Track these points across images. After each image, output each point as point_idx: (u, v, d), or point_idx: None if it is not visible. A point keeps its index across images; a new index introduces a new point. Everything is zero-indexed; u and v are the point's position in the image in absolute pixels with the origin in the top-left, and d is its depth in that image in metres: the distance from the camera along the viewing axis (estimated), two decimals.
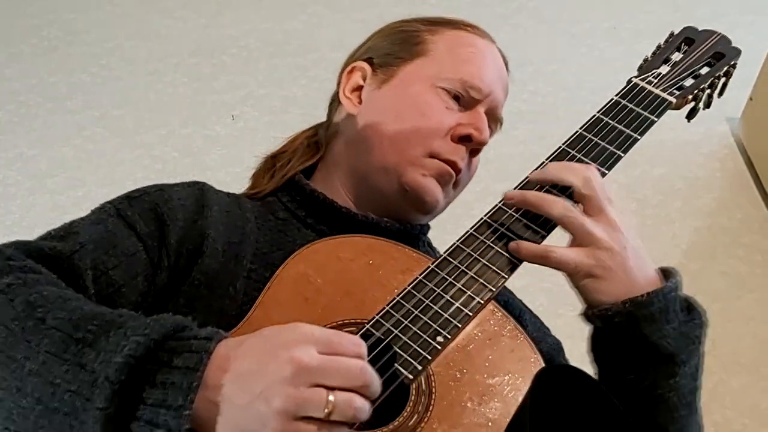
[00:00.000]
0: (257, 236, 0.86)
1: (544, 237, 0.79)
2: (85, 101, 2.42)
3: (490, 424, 0.69)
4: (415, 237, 0.96)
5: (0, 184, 2.16)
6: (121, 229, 0.79)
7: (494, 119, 0.96)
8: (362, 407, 0.56)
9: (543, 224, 0.80)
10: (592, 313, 0.76)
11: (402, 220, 0.94)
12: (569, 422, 0.57)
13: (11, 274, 0.67)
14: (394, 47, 0.98)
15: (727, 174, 2.16)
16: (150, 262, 0.78)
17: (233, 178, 2.15)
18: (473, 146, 0.91)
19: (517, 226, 0.80)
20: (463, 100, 0.92)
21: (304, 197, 0.93)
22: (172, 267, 0.79)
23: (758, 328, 1.81)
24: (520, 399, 0.69)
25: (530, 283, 1.45)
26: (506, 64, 1.01)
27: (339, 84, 1.01)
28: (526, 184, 0.83)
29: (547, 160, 0.85)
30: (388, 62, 0.97)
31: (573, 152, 0.85)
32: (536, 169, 0.84)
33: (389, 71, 0.96)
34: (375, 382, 0.58)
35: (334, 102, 1.02)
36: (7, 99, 2.43)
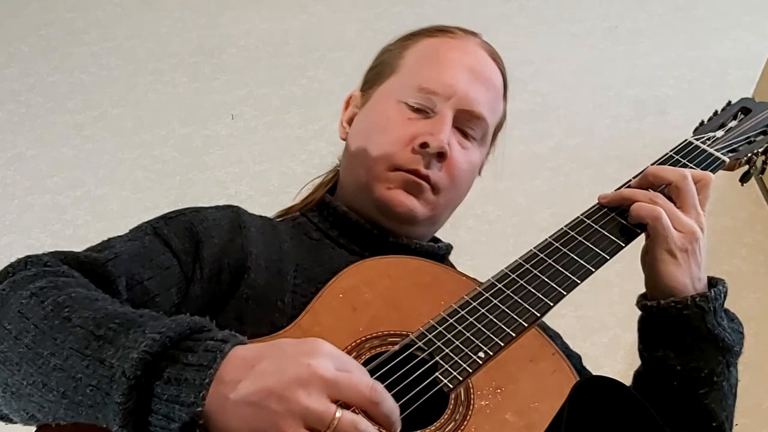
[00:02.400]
0: (295, 254, 0.88)
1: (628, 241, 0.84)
2: (85, 101, 2.42)
3: None
4: (441, 257, 0.98)
5: None
6: (157, 245, 0.82)
7: (473, 116, 0.94)
8: (354, 427, 0.58)
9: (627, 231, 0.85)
10: (665, 304, 0.82)
11: (410, 234, 0.95)
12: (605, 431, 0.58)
13: (45, 278, 0.70)
14: (376, 69, 1.01)
15: (729, 174, 2.16)
16: (184, 275, 0.81)
17: (233, 178, 2.17)
18: (434, 152, 0.90)
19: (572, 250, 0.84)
20: (428, 106, 0.92)
21: (336, 218, 0.95)
22: (208, 280, 0.82)
23: (760, 328, 1.81)
24: None
25: None
26: (494, 55, 1.00)
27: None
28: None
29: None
30: (369, 86, 1.00)
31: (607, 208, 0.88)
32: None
33: (368, 94, 0.99)
34: (387, 401, 0.60)
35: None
36: (7, 99, 2.43)
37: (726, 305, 0.88)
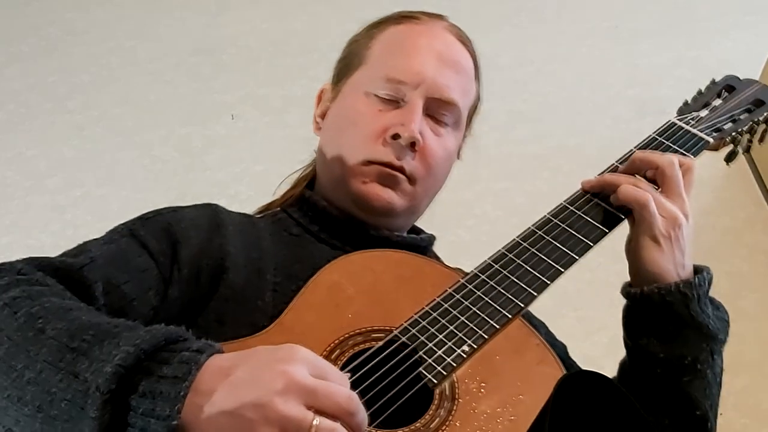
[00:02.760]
0: (275, 251, 0.87)
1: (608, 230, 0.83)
2: (85, 101, 2.42)
3: (511, 431, 0.70)
4: (423, 249, 0.98)
5: None
6: (134, 247, 0.81)
7: (444, 102, 0.93)
8: None
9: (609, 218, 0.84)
10: (648, 290, 0.81)
11: (387, 228, 0.95)
12: (589, 428, 0.58)
13: (18, 287, 0.68)
14: (345, 61, 0.99)
15: (730, 173, 2.15)
16: (161, 277, 0.80)
17: (233, 178, 2.17)
18: (405, 143, 0.89)
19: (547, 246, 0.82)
20: (398, 97, 0.92)
21: (316, 213, 0.94)
22: (186, 281, 0.81)
23: (761, 328, 1.81)
24: None
25: None
26: (461, 37, 0.99)
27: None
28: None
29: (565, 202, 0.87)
30: (339, 79, 0.99)
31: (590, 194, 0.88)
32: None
33: (338, 87, 0.98)
34: (361, 412, 0.59)
35: None
36: (7, 99, 2.43)
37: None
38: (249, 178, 2.10)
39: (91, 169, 2.20)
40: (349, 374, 0.63)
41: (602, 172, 0.88)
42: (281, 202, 0.99)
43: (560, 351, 0.93)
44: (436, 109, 0.93)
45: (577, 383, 0.60)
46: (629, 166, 0.87)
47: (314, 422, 0.56)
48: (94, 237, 0.83)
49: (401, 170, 0.90)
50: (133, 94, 2.44)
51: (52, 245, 0.81)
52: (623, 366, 0.89)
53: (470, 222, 1.96)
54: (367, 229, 0.92)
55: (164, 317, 0.78)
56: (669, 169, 0.83)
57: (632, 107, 2.37)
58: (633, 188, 0.82)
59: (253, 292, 0.82)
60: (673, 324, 0.81)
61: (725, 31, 2.58)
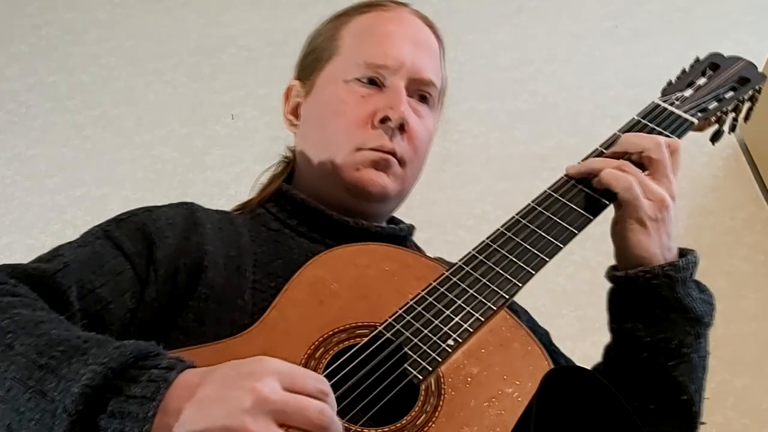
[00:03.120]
0: (254, 248, 0.87)
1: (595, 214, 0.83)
2: (85, 101, 2.42)
3: (498, 428, 0.69)
4: (403, 239, 0.98)
5: None
6: (108, 249, 0.80)
7: (424, 83, 0.94)
8: None
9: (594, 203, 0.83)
10: (633, 273, 0.80)
11: (374, 216, 0.96)
12: (575, 423, 0.57)
13: None
14: (313, 55, 0.99)
15: (730, 173, 2.16)
16: (137, 279, 0.79)
17: (233, 178, 2.16)
18: (395, 124, 0.90)
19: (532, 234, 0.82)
20: (379, 81, 0.93)
21: (295, 207, 0.94)
22: (163, 281, 0.79)
23: (761, 328, 1.81)
24: None
25: (532, 284, 1.45)
26: (427, 21, 1.00)
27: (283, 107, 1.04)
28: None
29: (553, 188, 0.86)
30: (309, 72, 0.99)
31: (574, 180, 0.86)
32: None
33: (311, 81, 0.98)
34: (333, 425, 0.58)
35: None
36: (7, 99, 2.43)
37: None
38: (249, 178, 2.09)
39: (91, 169, 2.20)
40: (324, 378, 0.61)
41: (586, 157, 0.87)
42: (259, 200, 0.99)
43: (543, 338, 0.93)
44: (417, 92, 0.94)
45: (562, 378, 0.59)
46: (615, 149, 0.86)
47: None
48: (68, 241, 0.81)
49: (393, 153, 0.91)
50: (133, 94, 2.44)
51: (52, 245, 0.81)
52: (608, 350, 0.88)
53: (470, 222, 1.96)
54: (346, 221, 0.92)
55: (142, 319, 0.77)
56: (656, 151, 0.82)
57: (632, 107, 2.37)
58: (616, 172, 0.81)
59: (232, 290, 0.81)
60: (658, 307, 0.81)
61: (725, 31, 2.58)
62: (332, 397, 0.60)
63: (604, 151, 0.87)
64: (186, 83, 2.48)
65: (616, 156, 0.85)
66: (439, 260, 0.86)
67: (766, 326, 1.81)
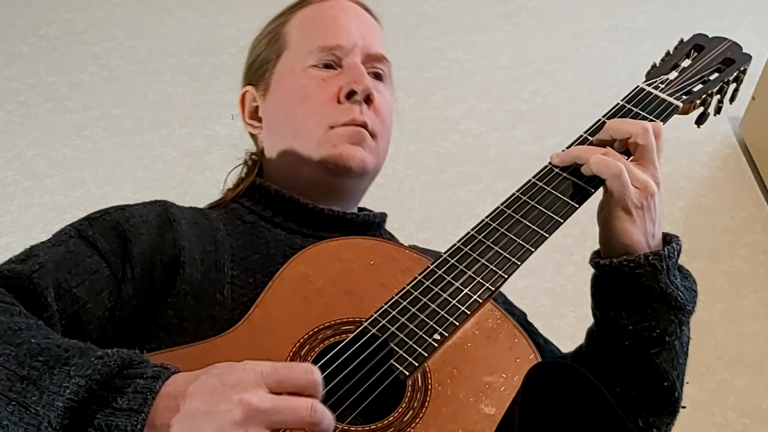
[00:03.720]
0: (230, 242, 0.86)
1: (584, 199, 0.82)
2: (85, 101, 2.42)
3: (485, 420, 0.69)
4: (377, 226, 0.99)
5: None
6: (83, 248, 0.79)
7: (377, 59, 0.97)
8: None
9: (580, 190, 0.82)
10: (617, 262, 0.80)
11: (351, 196, 0.97)
12: (559, 418, 0.57)
13: None
14: (261, 57, 1.01)
15: (730, 173, 2.16)
16: (114, 277, 0.78)
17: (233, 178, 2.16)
18: (361, 96, 0.92)
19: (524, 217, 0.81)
20: (335, 63, 0.94)
21: (269, 198, 0.94)
22: (140, 278, 0.78)
23: (761, 328, 1.81)
24: None
25: (533, 284, 1.45)
26: (365, 6, 1.02)
27: (241, 116, 1.06)
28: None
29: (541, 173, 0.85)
30: (262, 72, 1.00)
31: (558, 169, 0.85)
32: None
33: (266, 81, 0.99)
34: (326, 418, 0.58)
35: (252, 134, 1.07)
36: (7, 99, 2.43)
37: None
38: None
39: (91, 169, 2.20)
40: (312, 366, 0.61)
41: (571, 144, 0.86)
42: (232, 197, 0.98)
43: (520, 320, 0.93)
44: (371, 69, 0.96)
45: (547, 373, 0.59)
46: (601, 136, 0.85)
47: None
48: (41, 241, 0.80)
49: (365, 125, 0.92)
50: (133, 94, 2.44)
51: None
52: (591, 335, 0.89)
53: (470, 222, 1.95)
54: (322, 209, 0.92)
55: (120, 318, 0.77)
56: (642, 137, 0.82)
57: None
58: (606, 159, 0.80)
59: (211, 286, 0.80)
60: (642, 296, 0.81)
61: (725, 31, 2.57)
62: (320, 385, 0.59)
63: (590, 137, 0.86)
64: (186, 83, 2.48)
65: (602, 143, 0.85)
66: (413, 248, 0.86)
67: (766, 326, 1.81)
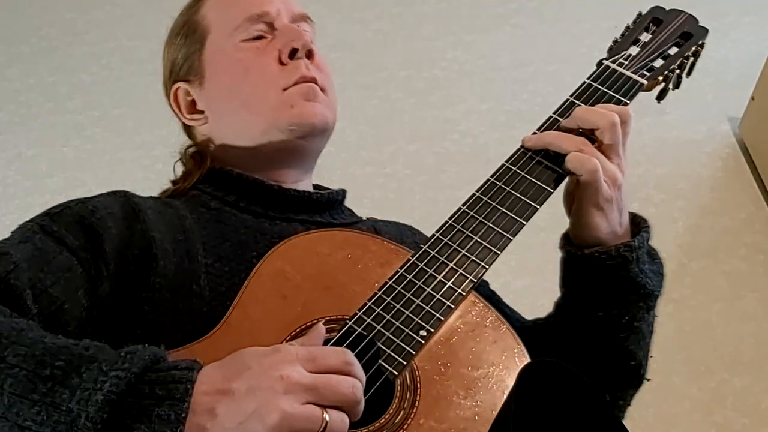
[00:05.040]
0: (199, 231, 0.84)
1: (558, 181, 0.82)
2: (85, 101, 2.42)
3: (476, 417, 0.68)
4: (339, 203, 0.98)
5: (0, 183, 2.16)
6: (51, 245, 0.75)
7: (302, 18, 0.97)
8: (345, 427, 0.57)
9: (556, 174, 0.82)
10: (589, 253, 0.81)
11: (313, 158, 0.96)
12: (553, 416, 0.57)
13: None
14: (183, 50, 0.99)
15: (729, 173, 2.16)
16: (87, 275, 0.74)
17: None
18: (303, 52, 0.92)
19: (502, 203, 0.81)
20: (265, 32, 0.94)
21: (231, 182, 0.92)
22: (115, 275, 0.76)
23: (760, 328, 1.81)
24: (506, 390, 0.70)
25: (532, 284, 1.45)
26: None
27: (176, 115, 1.04)
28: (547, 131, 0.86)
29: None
30: (191, 65, 0.97)
31: (531, 152, 0.86)
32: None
33: (197, 70, 0.96)
34: (362, 400, 0.59)
35: (188, 129, 1.05)
36: (7, 99, 2.43)
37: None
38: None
39: (92, 170, 2.20)
40: (345, 349, 0.61)
41: (541, 125, 0.87)
42: (187, 186, 0.95)
43: (485, 290, 0.95)
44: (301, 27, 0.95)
45: (540, 372, 0.59)
46: (570, 123, 0.85)
47: (324, 416, 0.55)
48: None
49: (314, 80, 0.91)
50: (134, 94, 2.44)
51: None
52: (559, 310, 0.89)
53: None
54: (287, 189, 0.91)
55: (98, 317, 0.74)
56: (611, 131, 0.82)
57: (632, 107, 2.37)
58: (581, 156, 0.80)
59: (186, 277, 0.78)
60: (612, 286, 0.82)
61: (725, 31, 2.58)
62: (358, 366, 0.60)
63: (559, 119, 0.87)
64: None
65: (569, 129, 0.85)
66: (372, 221, 0.87)
67: (766, 326, 1.81)
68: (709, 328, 1.77)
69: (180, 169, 1.02)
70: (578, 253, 0.82)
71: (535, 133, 0.87)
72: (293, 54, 0.91)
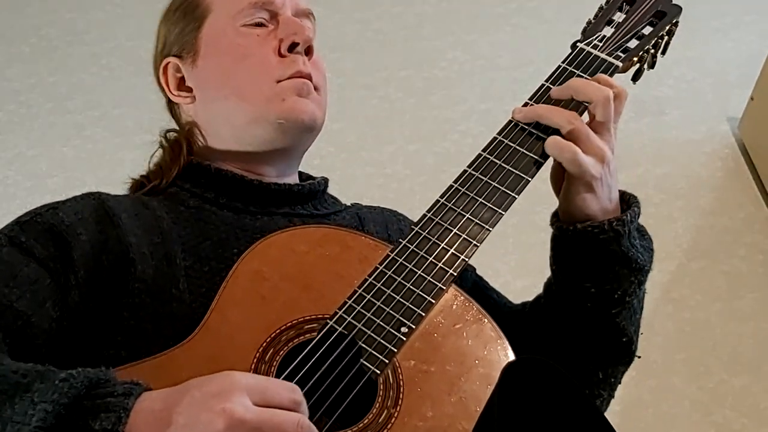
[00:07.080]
0: (178, 231, 0.82)
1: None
2: (85, 101, 2.42)
3: (460, 413, 0.68)
4: (322, 193, 0.97)
5: (0, 183, 2.16)
6: (17, 257, 0.73)
7: (305, 14, 0.96)
8: None
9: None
10: (581, 228, 0.81)
11: (298, 155, 0.95)
12: (537, 415, 0.56)
13: None
14: (180, 25, 0.96)
15: (728, 173, 2.16)
16: (56, 285, 0.72)
17: None
18: (303, 47, 0.91)
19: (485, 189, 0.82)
20: (267, 20, 0.93)
21: (209, 178, 0.90)
22: (86, 282, 0.74)
23: (759, 328, 1.81)
24: (489, 385, 0.69)
25: (532, 284, 1.45)
26: None
27: (162, 91, 1.00)
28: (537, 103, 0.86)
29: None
30: (186, 41, 0.95)
31: (522, 124, 0.86)
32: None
33: (193, 47, 0.94)
34: (312, 430, 0.57)
35: (172, 107, 1.02)
36: (7, 99, 2.43)
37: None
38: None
39: (92, 170, 2.20)
40: (296, 386, 0.59)
41: (534, 94, 0.88)
42: (165, 181, 0.92)
43: (472, 275, 0.94)
44: (303, 21, 0.94)
45: (524, 369, 0.59)
46: (563, 92, 0.85)
47: None
48: None
49: (309, 77, 0.90)
50: (134, 94, 2.44)
51: None
52: (549, 289, 0.89)
53: None
54: (268, 184, 0.90)
55: (69, 328, 0.72)
56: (604, 106, 0.81)
57: (631, 107, 2.37)
58: (559, 142, 0.80)
59: (165, 281, 0.76)
60: (604, 260, 0.82)
61: (725, 31, 2.58)
62: (305, 406, 0.58)
63: (551, 87, 0.87)
64: None
65: (562, 99, 0.85)
66: (357, 207, 0.86)
67: (765, 326, 1.82)
68: (708, 328, 1.78)
69: (155, 159, 0.99)
70: (570, 228, 0.82)
71: (525, 105, 0.87)
72: (293, 48, 0.90)
